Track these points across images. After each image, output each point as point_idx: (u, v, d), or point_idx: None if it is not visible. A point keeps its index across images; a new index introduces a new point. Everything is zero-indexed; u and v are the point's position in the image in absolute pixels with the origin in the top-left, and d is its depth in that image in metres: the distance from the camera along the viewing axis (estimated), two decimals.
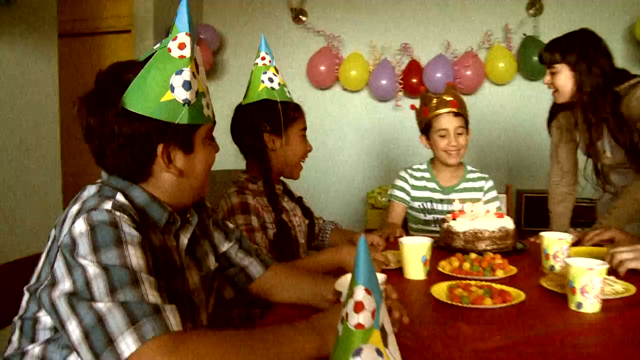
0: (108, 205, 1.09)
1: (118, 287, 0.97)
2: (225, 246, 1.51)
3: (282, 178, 2.21)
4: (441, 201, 2.66)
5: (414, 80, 4.60)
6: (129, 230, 1.07)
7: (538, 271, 1.82)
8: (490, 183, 2.74)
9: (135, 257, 1.04)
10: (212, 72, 4.91)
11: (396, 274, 1.76)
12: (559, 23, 4.51)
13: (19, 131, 3.19)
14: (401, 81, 4.62)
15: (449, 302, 1.43)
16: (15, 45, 3.14)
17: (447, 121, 2.57)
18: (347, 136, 4.93)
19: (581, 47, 2.39)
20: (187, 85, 1.18)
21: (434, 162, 2.74)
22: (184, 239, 1.32)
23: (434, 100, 2.61)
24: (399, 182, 2.74)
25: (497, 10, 4.65)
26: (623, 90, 2.32)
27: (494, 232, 2.07)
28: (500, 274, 1.71)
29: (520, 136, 4.67)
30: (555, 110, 2.70)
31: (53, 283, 1.02)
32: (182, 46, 1.20)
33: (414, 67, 4.63)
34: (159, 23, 4.47)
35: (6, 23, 3.09)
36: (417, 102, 4.72)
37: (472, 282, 1.58)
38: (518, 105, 4.68)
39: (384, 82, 4.63)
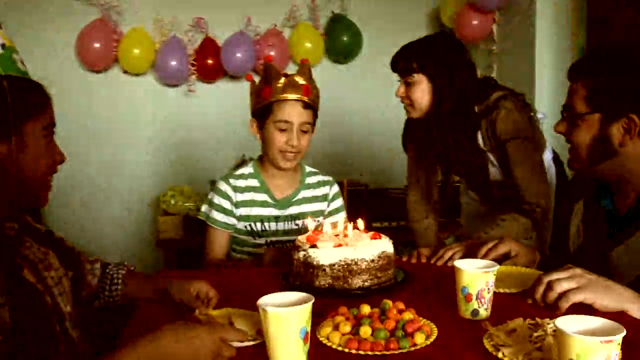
0: None
1: None
2: None
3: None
4: (276, 219, 1.99)
5: (210, 62, 3.91)
6: None
7: (460, 322, 1.24)
8: (336, 188, 2.13)
9: None
10: None
11: (256, 357, 1.06)
12: (367, 2, 4.24)
13: None
14: (194, 62, 3.90)
15: None
16: None
17: (293, 112, 1.90)
18: (131, 129, 4.05)
19: (442, 56, 2.00)
20: None
21: (264, 164, 2.04)
22: None
23: (282, 80, 1.91)
24: (218, 199, 1.99)
25: None
26: (488, 109, 1.98)
27: (372, 260, 1.47)
28: (420, 339, 1.09)
29: (331, 124, 4.17)
30: (411, 126, 2.25)
31: None
32: None
33: (209, 46, 3.92)
34: None
35: None
36: (213, 89, 4.20)
37: None
38: (326, 90, 4.19)
39: (173, 63, 3.87)
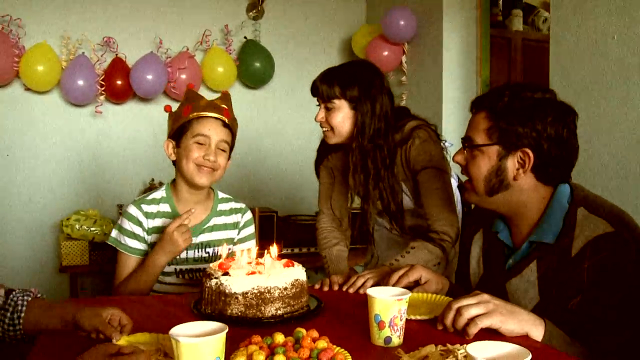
0: None
1: None
2: None
3: None
4: (186, 247, 1.92)
5: (119, 82, 3.81)
6: None
7: (373, 349, 1.25)
8: (248, 216, 2.10)
9: None
10: None
11: None
12: (279, 28, 4.33)
13: None
14: (103, 82, 3.78)
15: None
16: None
17: (212, 128, 1.89)
18: (33, 149, 3.86)
19: (364, 83, 2.00)
20: None
21: (177, 188, 1.99)
22: None
23: (203, 101, 1.92)
24: (129, 225, 1.93)
25: (215, 8, 4.15)
26: (404, 139, 2.03)
27: (286, 288, 1.46)
28: None
29: (243, 150, 4.16)
30: (325, 150, 2.28)
31: None
32: None
33: (118, 66, 3.83)
34: None
35: None
36: (122, 111, 4.06)
37: None
38: (238, 115, 4.18)
39: (80, 82, 3.74)
